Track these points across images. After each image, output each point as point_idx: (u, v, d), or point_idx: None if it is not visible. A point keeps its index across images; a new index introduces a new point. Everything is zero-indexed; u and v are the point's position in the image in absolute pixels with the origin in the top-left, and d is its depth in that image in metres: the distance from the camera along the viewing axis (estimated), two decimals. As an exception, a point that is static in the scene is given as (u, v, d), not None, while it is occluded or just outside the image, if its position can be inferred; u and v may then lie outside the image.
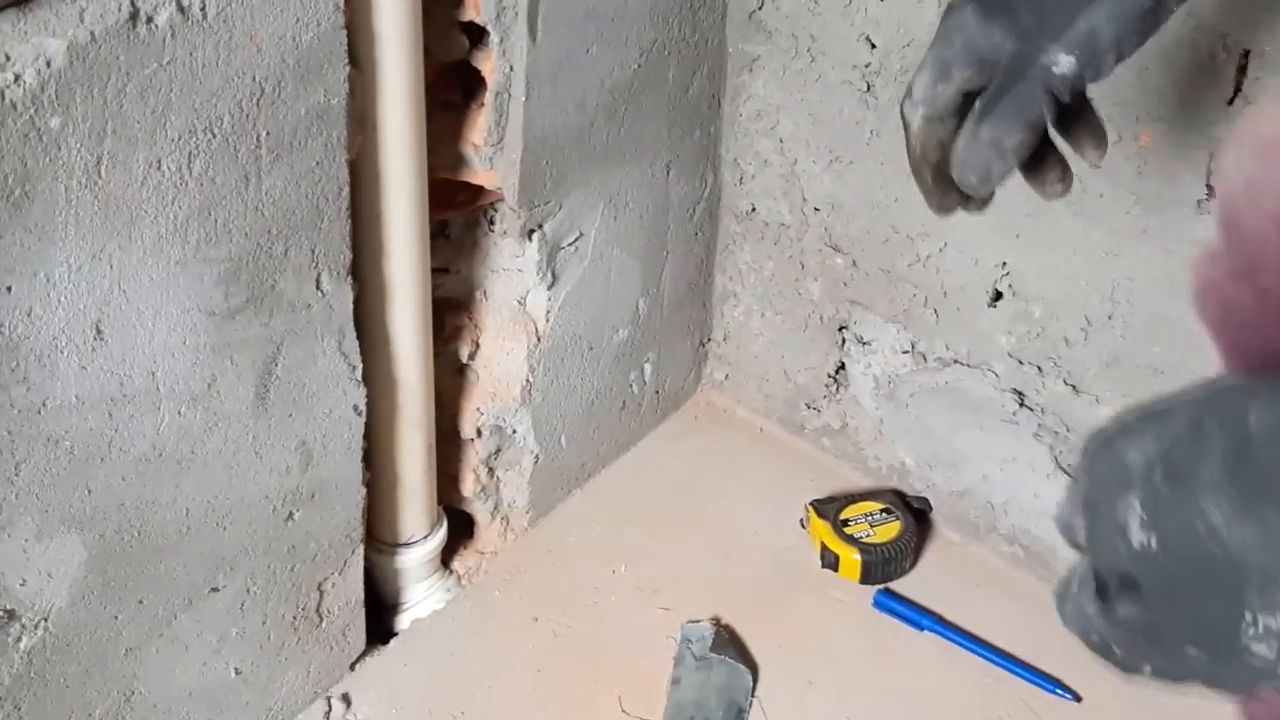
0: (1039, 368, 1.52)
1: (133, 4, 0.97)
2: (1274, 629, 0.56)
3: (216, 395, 1.18)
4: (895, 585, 1.61)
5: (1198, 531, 0.57)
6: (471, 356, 1.59)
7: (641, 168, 1.59)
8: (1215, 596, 0.57)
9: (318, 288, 1.23)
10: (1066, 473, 1.54)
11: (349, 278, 1.26)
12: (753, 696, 1.47)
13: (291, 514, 1.32)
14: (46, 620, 1.13)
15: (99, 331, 1.06)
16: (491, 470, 1.64)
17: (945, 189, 0.87)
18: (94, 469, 1.11)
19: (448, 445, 1.59)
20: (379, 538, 1.50)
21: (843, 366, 1.72)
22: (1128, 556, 0.59)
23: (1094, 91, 0.85)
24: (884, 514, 1.64)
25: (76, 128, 0.97)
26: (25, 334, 1.01)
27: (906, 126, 0.87)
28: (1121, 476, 0.60)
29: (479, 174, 1.43)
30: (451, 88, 1.40)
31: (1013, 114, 0.81)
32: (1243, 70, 1.25)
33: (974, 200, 0.88)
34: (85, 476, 1.10)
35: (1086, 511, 0.61)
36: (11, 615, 1.10)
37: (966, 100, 0.84)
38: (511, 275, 1.53)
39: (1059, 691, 1.47)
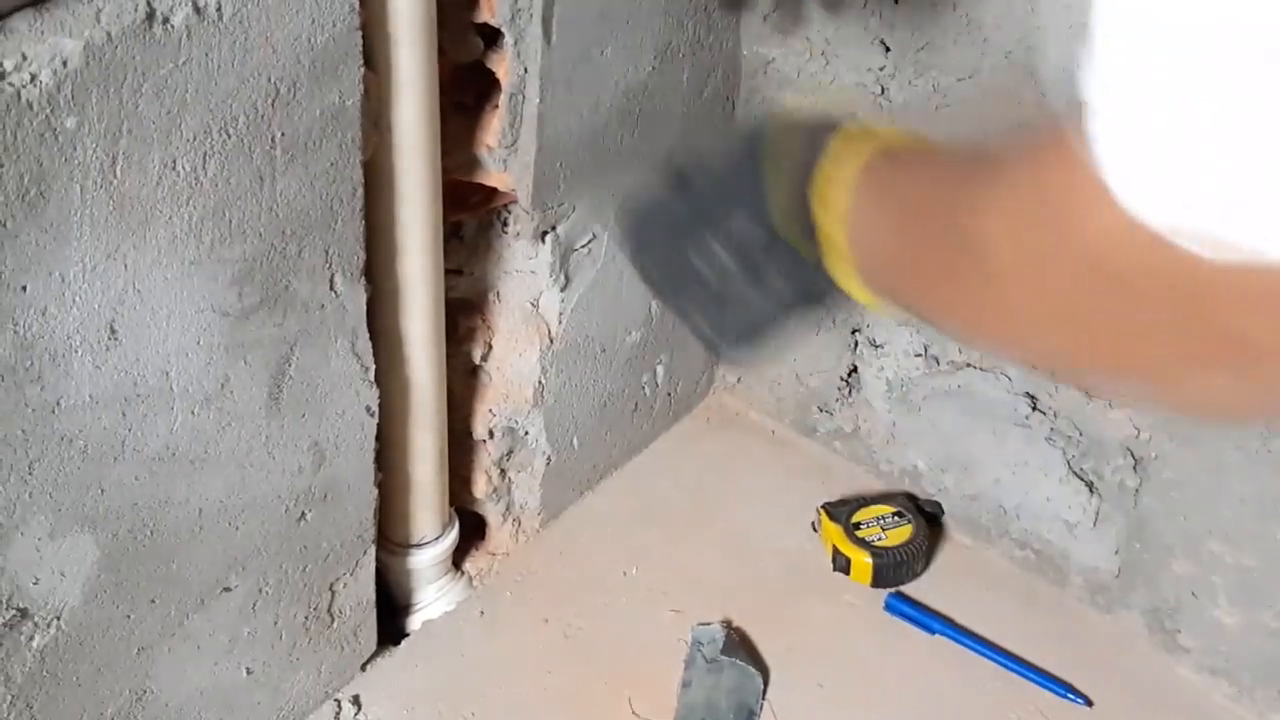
0: (1051, 371, 1.52)
1: (149, 4, 0.97)
2: (712, 255, 0.82)
3: (229, 395, 1.19)
4: (907, 589, 1.61)
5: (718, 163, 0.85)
6: (484, 358, 1.59)
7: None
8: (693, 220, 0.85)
9: (331, 288, 1.23)
10: (1079, 477, 1.54)
11: (362, 279, 1.26)
12: (763, 699, 1.47)
13: (304, 514, 1.32)
14: (59, 619, 1.13)
15: (113, 331, 1.06)
16: (503, 472, 1.64)
17: None
18: (107, 468, 1.11)
19: (460, 447, 1.59)
20: (391, 538, 1.51)
21: (855, 370, 1.72)
22: (690, 166, 0.87)
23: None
24: (896, 517, 1.64)
25: (92, 128, 0.97)
26: (40, 333, 1.01)
27: None
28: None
29: (492, 176, 1.43)
30: (465, 89, 1.40)
31: None
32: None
33: None
34: (98, 476, 1.11)
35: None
36: (24, 614, 1.10)
37: None
38: (524, 277, 1.53)
39: (1070, 696, 1.47)
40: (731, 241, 0.82)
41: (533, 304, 1.54)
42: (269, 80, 1.09)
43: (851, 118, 0.78)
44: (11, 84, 0.91)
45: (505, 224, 1.49)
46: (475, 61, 1.37)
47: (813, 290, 0.81)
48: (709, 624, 1.53)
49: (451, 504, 1.56)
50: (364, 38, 1.15)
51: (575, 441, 1.67)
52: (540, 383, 1.57)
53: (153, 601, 1.21)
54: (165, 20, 0.99)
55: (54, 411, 1.05)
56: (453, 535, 1.56)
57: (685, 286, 0.86)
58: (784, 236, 0.79)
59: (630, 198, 0.89)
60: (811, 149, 0.77)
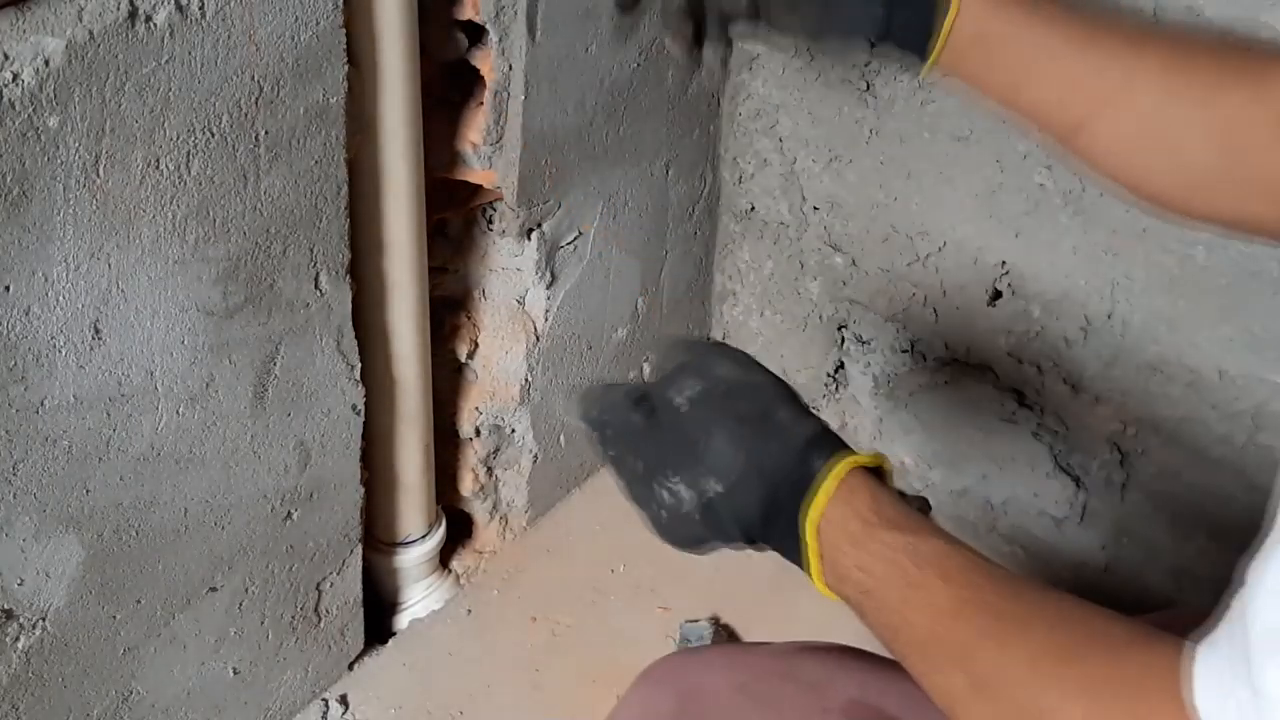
0: (1038, 367, 1.52)
1: (131, 3, 0.97)
2: (671, 491, 0.82)
3: (215, 394, 1.18)
4: (894, 585, 1.60)
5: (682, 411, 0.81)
6: (470, 355, 1.59)
7: (640, 167, 1.59)
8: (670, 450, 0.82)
9: (316, 287, 1.23)
10: (1066, 472, 1.54)
11: (347, 277, 1.26)
12: (751, 696, 1.47)
13: (290, 513, 1.31)
14: (44, 620, 1.13)
15: (97, 331, 1.06)
16: (490, 469, 1.63)
17: None
18: (92, 468, 1.11)
19: (446, 445, 1.58)
20: (377, 537, 1.50)
21: (842, 365, 1.72)
22: (663, 394, 0.82)
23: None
24: (883, 513, 1.64)
25: (75, 127, 0.96)
26: (23, 333, 1.00)
27: None
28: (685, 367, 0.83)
29: (477, 173, 1.43)
30: (450, 86, 1.40)
31: None
32: (1242, 69, 1.25)
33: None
34: (83, 476, 1.10)
35: (668, 360, 0.84)
36: (9, 615, 1.10)
37: None
38: (510, 274, 1.53)
39: (1058, 691, 1.47)
40: (692, 482, 0.82)
41: (519, 301, 1.54)
42: (252, 78, 1.08)
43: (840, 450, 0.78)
44: (-7, 83, 0.91)
45: (490, 221, 1.49)
46: (460, 59, 1.37)
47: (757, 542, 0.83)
48: (697, 621, 1.53)
49: (438, 502, 1.56)
50: (347, 35, 1.15)
51: (562, 439, 1.67)
52: (527, 380, 1.57)
53: (138, 602, 1.21)
54: (148, 19, 0.98)
55: (38, 412, 1.04)
56: (440, 533, 1.55)
57: (637, 485, 0.86)
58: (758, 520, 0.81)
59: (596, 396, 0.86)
60: (804, 462, 0.77)
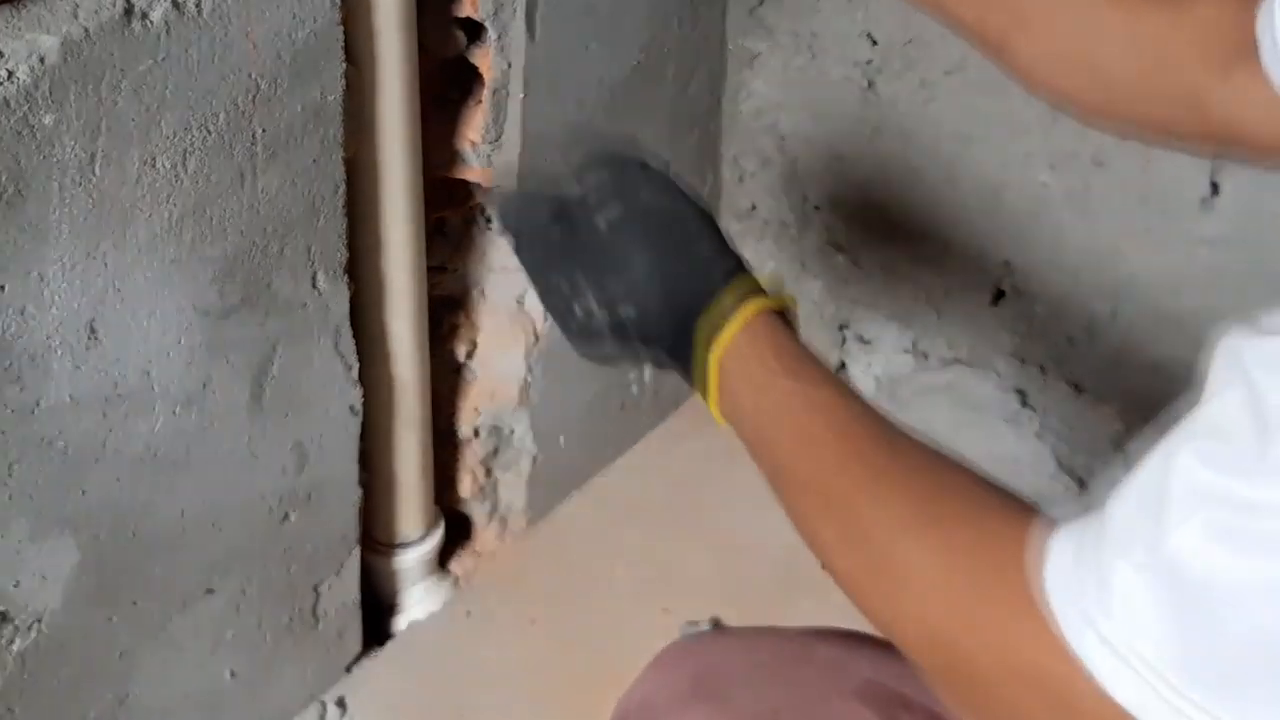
0: (1041, 367, 1.51)
1: (127, 1, 0.96)
2: (584, 307, 0.82)
3: (211, 395, 1.17)
4: (896, 586, 1.60)
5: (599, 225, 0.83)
6: (469, 356, 1.58)
7: (640, 166, 1.58)
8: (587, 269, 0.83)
9: (313, 286, 1.22)
10: (1069, 473, 1.53)
11: (345, 276, 1.25)
12: (753, 699, 1.46)
13: (287, 515, 1.31)
14: (40, 622, 1.12)
15: (93, 331, 1.05)
16: (489, 471, 1.63)
17: None
18: (88, 470, 1.10)
19: (445, 446, 1.58)
20: (375, 539, 1.50)
21: (844, 365, 1.71)
22: (583, 211, 0.83)
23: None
24: (884, 515, 1.63)
25: (70, 125, 0.96)
26: (18, 334, 1.00)
27: None
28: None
29: (477, 171, 1.42)
30: (449, 84, 1.39)
31: None
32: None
33: None
34: (79, 477, 1.10)
35: (593, 169, 0.85)
36: (4, 617, 1.09)
37: None
38: (509, 274, 1.52)
39: (1061, 693, 1.46)
40: (605, 302, 0.83)
41: (518, 301, 1.53)
42: (249, 76, 1.08)
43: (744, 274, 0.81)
44: (-13, 80, 0.90)
45: (490, 220, 1.48)
46: (458, 56, 1.36)
47: (667, 367, 0.85)
48: (698, 623, 1.53)
49: (437, 504, 1.55)
50: (345, 33, 1.14)
51: (562, 440, 1.66)
52: (526, 381, 1.56)
53: (135, 604, 1.20)
54: (144, 16, 0.98)
55: (33, 412, 1.04)
56: (438, 535, 1.55)
57: (551, 296, 0.86)
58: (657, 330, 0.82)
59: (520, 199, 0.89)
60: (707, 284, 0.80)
